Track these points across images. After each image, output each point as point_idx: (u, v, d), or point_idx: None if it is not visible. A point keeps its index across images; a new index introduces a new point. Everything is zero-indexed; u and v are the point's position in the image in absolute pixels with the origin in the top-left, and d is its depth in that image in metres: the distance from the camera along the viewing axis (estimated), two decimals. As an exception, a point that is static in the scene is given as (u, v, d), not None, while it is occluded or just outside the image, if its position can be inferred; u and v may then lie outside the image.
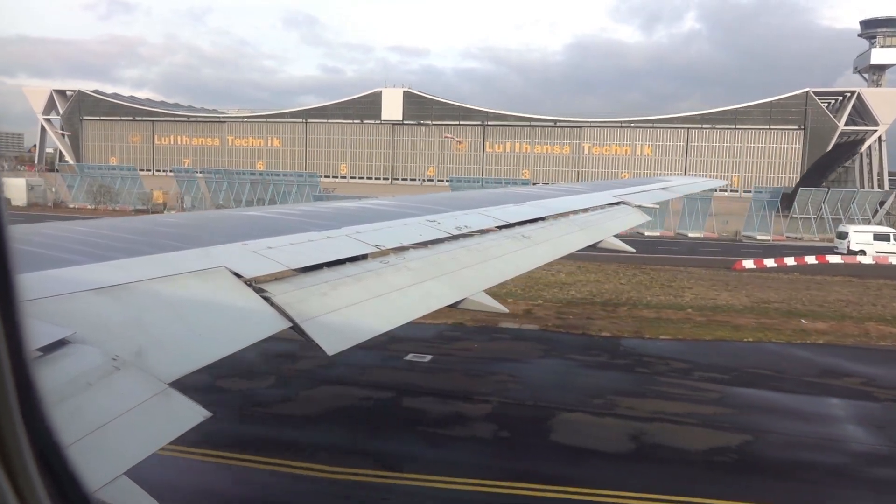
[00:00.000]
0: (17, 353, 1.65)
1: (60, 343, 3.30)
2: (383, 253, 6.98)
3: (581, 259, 41.88)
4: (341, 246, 6.66)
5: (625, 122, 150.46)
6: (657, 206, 18.24)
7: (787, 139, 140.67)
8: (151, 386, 3.49)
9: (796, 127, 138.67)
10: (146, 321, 4.08)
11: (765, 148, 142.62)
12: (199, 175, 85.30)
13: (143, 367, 3.59)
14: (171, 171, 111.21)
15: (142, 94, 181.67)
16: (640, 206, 16.11)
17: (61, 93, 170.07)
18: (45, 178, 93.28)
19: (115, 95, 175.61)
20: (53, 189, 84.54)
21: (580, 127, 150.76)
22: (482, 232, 9.34)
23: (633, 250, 14.68)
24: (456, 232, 8.64)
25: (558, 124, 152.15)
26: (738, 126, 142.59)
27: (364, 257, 6.66)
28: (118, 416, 3.13)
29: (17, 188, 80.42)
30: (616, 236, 13.41)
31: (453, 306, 7.07)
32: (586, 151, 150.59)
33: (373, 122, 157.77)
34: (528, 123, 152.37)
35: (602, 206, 14.75)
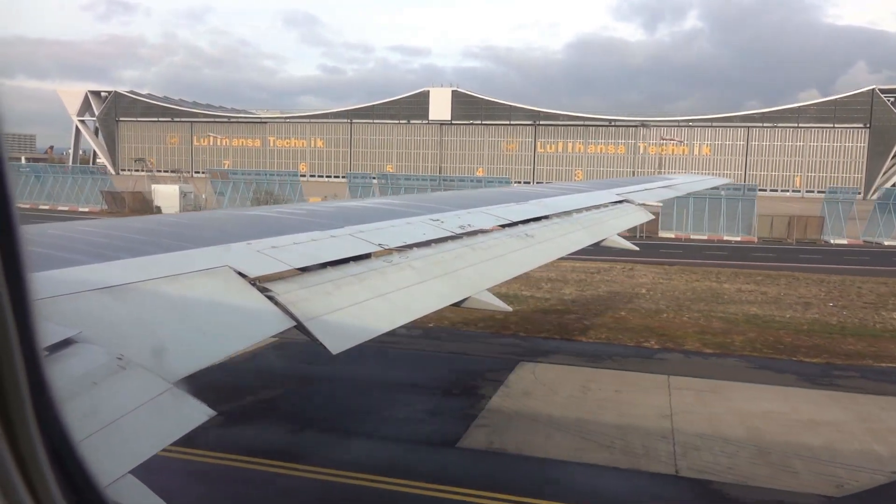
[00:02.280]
0: (30, 352, 1.66)
1: (66, 342, 3.30)
2: (387, 252, 6.97)
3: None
4: (345, 245, 6.68)
5: (682, 120, 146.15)
6: (660, 205, 18.55)
7: (851, 138, 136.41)
8: (156, 385, 3.48)
9: (861, 125, 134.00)
10: (151, 320, 4.11)
11: (828, 147, 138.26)
12: (375, 181, 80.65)
13: (148, 366, 3.57)
14: (343, 176, 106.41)
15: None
16: (643, 205, 16.17)
17: (96, 94, 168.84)
18: (193, 184, 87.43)
19: (150, 96, 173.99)
20: (203, 196, 79.03)
21: (636, 126, 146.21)
22: (485, 231, 9.34)
23: (637, 248, 14.42)
24: (459, 231, 8.67)
25: (613, 123, 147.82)
26: (800, 125, 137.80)
27: (368, 256, 6.64)
28: (123, 415, 3.12)
29: (170, 196, 74.96)
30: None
31: (457, 305, 7.08)
32: (642, 151, 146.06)
33: (420, 122, 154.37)
34: (581, 123, 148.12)
35: (605, 205, 14.69)
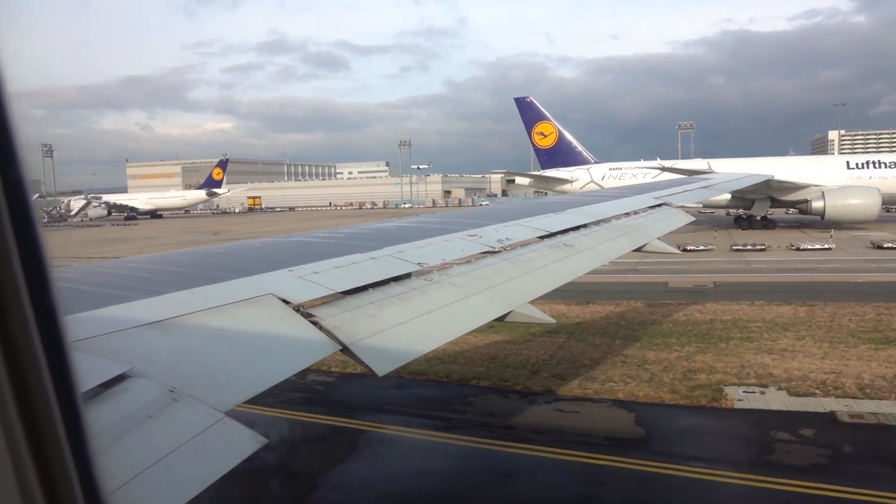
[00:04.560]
0: (67, 396, 1.60)
1: (120, 378, 3.40)
2: (427, 270, 7.00)
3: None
4: (385, 266, 6.71)
5: None
6: (700, 206, 18.52)
7: None
8: (209, 416, 3.54)
9: None
10: (200, 352, 4.19)
11: None
12: None
13: (200, 397, 3.63)
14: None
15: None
16: (682, 207, 16.02)
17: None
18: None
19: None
20: None
21: None
22: (524, 243, 9.30)
23: (678, 251, 14.03)
24: (497, 245, 8.68)
25: None
26: None
27: (408, 276, 6.67)
28: (179, 447, 3.19)
29: None
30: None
31: (500, 320, 7.05)
32: None
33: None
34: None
35: (644, 210, 14.57)
